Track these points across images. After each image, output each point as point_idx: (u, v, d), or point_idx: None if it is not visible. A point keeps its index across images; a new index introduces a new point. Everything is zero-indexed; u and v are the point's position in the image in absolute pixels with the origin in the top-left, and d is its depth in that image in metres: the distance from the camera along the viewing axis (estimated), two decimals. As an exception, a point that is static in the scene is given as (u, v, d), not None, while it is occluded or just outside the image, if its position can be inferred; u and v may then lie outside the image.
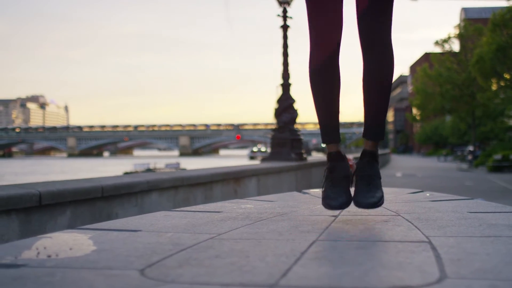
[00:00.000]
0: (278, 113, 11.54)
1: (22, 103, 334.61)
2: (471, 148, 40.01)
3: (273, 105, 11.93)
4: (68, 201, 4.03)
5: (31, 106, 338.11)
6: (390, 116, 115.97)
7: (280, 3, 11.56)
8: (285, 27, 11.57)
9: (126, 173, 51.78)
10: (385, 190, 2.62)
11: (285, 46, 11.62)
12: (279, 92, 11.89)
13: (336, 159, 2.34)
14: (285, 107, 11.43)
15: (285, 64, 11.67)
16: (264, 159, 11.55)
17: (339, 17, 2.35)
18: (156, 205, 5.20)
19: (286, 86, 11.63)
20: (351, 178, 2.30)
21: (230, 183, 6.95)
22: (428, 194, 2.48)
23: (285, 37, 11.60)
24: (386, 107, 2.36)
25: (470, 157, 37.06)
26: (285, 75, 11.64)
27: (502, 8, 28.15)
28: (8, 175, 46.94)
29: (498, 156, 29.29)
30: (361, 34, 2.30)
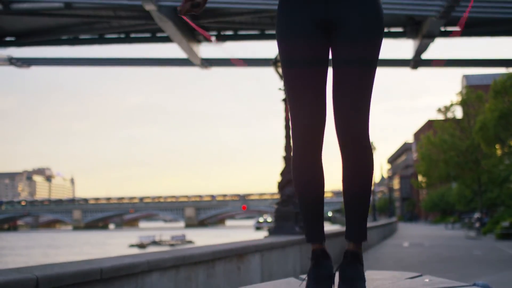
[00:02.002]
0: (281, 186, 11.51)
1: (28, 176, 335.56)
2: (478, 215, 39.68)
3: (278, 175, 11.93)
4: (66, 284, 3.97)
5: (37, 178, 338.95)
6: (396, 183, 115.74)
7: (281, 77, 11.72)
8: (286, 101, 11.70)
9: (131, 246, 51.48)
10: (384, 274, 2.57)
11: (287, 119, 11.70)
12: (283, 163, 11.91)
13: (320, 257, 2.27)
14: (288, 180, 11.40)
15: (287, 137, 11.73)
16: (269, 231, 11.45)
17: (323, 112, 2.33)
18: (157, 286, 5.13)
19: (288, 159, 11.65)
20: (333, 278, 2.23)
21: (233, 260, 6.86)
22: (427, 280, 2.43)
23: (286, 111, 11.70)
24: (366, 209, 2.31)
25: (477, 224, 36.68)
26: (288, 148, 11.68)
27: (502, 75, 28.48)
28: (16, 249, 46.63)
29: (506, 223, 28.98)
30: (335, 128, 2.28)
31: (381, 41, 2.30)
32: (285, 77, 2.36)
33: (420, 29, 19.96)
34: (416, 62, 22.05)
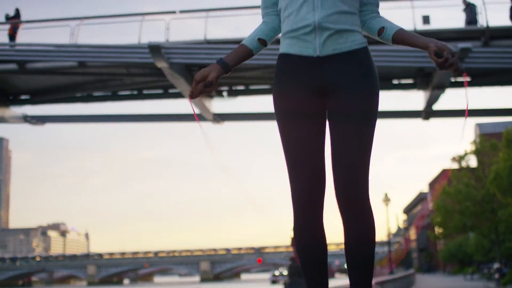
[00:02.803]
0: (294, 242, 11.42)
1: (43, 231, 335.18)
2: (497, 265, 38.95)
3: (291, 230, 11.85)
4: None
5: (52, 234, 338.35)
6: (412, 234, 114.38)
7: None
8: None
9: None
10: None
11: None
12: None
13: None
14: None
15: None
16: (284, 286, 11.33)
17: (322, 175, 2.33)
18: None
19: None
20: None
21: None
22: None
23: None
24: (370, 271, 2.30)
25: (497, 275, 36.00)
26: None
27: (514, 124, 28.39)
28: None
29: (525, 274, 28.44)
30: (334, 188, 2.28)
31: (377, 98, 2.36)
32: (282, 137, 2.39)
33: (430, 80, 20.03)
34: (428, 113, 22.03)
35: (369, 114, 2.31)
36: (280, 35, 2.48)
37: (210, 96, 22.40)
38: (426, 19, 19.65)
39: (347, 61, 2.32)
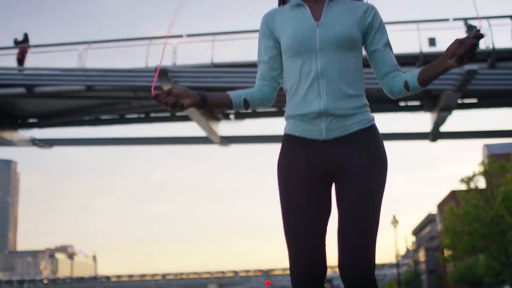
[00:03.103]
0: None
1: (51, 253, 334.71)
2: (507, 287, 38.57)
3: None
4: None
5: (60, 256, 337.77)
6: (421, 256, 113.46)
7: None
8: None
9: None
10: None
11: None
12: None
13: None
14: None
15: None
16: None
17: (322, 257, 2.32)
18: None
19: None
20: None
21: None
22: None
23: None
24: None
25: (507, 298, 35.65)
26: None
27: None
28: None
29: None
30: (339, 266, 2.25)
31: (386, 174, 2.35)
32: (283, 211, 2.36)
33: (437, 102, 20.02)
34: (435, 135, 21.99)
35: (377, 191, 2.29)
36: (284, 114, 2.46)
37: (217, 119, 22.47)
38: (432, 41, 19.69)
39: (354, 142, 2.31)
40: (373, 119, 2.40)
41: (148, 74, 18.97)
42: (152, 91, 2.19)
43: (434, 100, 20.27)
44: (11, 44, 22.61)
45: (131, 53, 26.89)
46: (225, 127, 22.97)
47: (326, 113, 2.29)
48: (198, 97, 2.27)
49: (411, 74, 2.35)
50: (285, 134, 2.42)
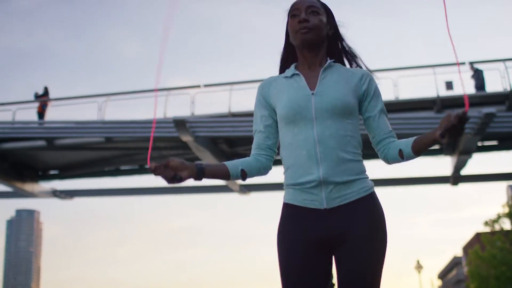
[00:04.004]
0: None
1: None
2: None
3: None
4: None
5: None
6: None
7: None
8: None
9: None
10: None
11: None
12: None
13: None
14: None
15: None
16: None
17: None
18: None
19: None
20: None
21: None
22: None
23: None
24: None
25: None
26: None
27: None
28: None
29: None
30: None
31: (386, 239, 2.33)
32: (282, 274, 2.34)
33: (456, 146, 19.87)
34: (456, 178, 21.77)
35: (378, 257, 2.28)
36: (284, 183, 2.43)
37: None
38: (449, 85, 19.62)
39: (354, 210, 2.29)
40: (372, 187, 2.38)
41: (166, 125, 19.08)
42: (148, 163, 2.19)
43: (454, 143, 20.13)
44: (32, 98, 22.99)
45: (150, 103, 27.15)
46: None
47: (326, 182, 2.27)
48: (195, 170, 2.26)
49: (406, 142, 2.35)
50: (284, 204, 2.40)
